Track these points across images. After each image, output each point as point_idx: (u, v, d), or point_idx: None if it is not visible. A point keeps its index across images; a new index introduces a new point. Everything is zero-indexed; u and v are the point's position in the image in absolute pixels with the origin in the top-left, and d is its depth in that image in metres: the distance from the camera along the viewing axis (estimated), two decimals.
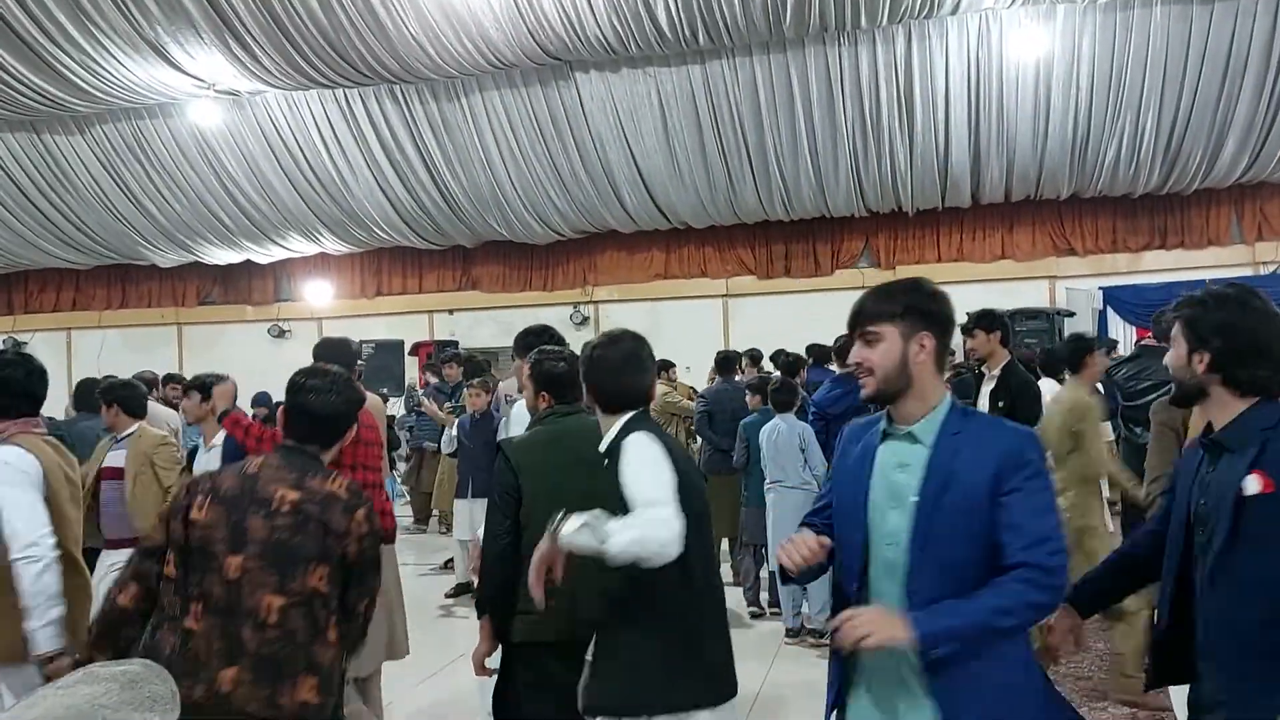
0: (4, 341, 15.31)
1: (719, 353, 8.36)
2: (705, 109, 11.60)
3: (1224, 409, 2.12)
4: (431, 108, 12.12)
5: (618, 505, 2.46)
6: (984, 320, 5.43)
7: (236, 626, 2.32)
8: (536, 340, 4.10)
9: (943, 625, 1.88)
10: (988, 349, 5.36)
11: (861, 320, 2.08)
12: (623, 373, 2.71)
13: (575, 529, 2.30)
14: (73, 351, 15.17)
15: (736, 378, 8.34)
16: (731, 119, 11.65)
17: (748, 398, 7.30)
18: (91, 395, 5.62)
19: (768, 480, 6.46)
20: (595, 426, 2.83)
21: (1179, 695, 3.00)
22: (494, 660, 3.02)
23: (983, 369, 5.57)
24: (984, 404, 5.17)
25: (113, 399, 4.90)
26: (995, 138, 11.54)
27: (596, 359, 2.74)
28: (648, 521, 2.34)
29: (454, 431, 7.29)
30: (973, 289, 12.37)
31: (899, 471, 2.06)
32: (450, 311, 14.48)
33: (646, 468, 2.50)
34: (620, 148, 12.13)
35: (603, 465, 2.66)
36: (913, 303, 2.06)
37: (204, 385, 5.23)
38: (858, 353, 2.07)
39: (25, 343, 15.29)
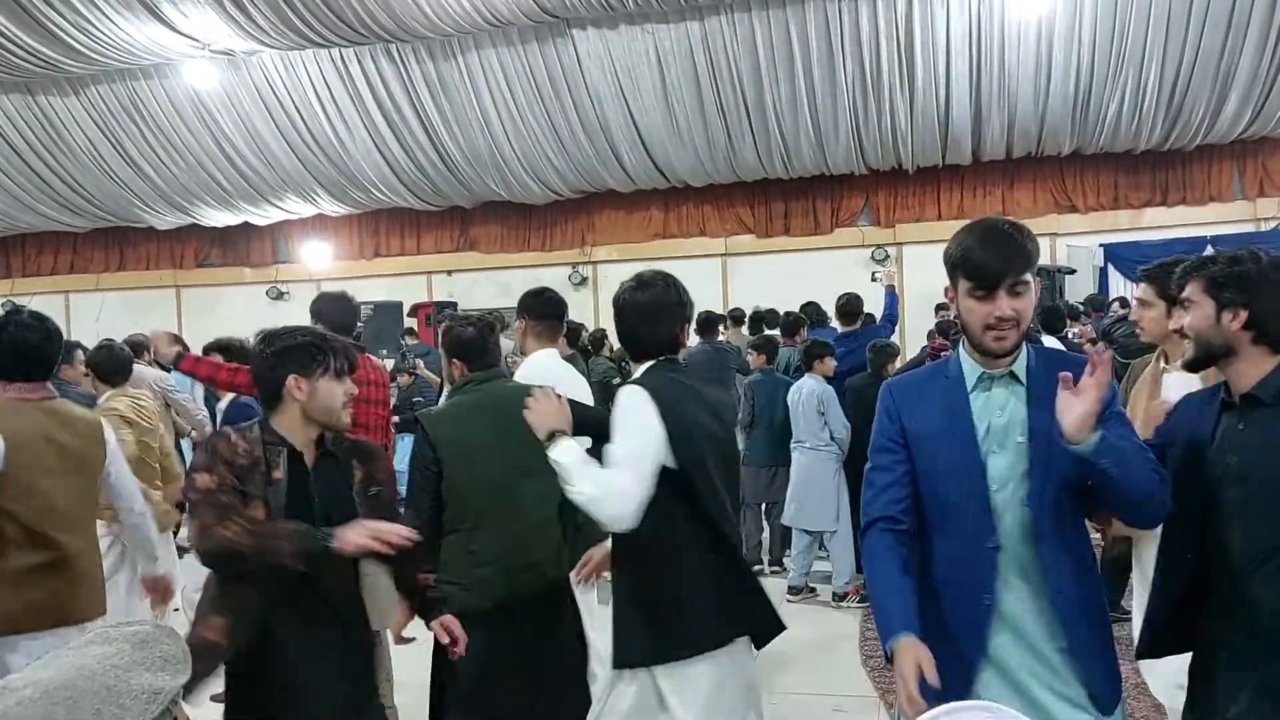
0: (3, 304, 15.32)
1: (700, 313, 8.32)
2: (704, 66, 11.50)
3: (1254, 367, 2.13)
4: (428, 67, 12.01)
5: (547, 475, 2.54)
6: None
7: None
8: (533, 301, 4.11)
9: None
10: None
11: (1014, 271, 2.07)
12: (646, 320, 2.68)
13: (562, 451, 2.43)
14: (71, 315, 15.15)
15: (719, 339, 8.36)
16: (730, 76, 11.55)
17: (751, 357, 7.34)
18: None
19: (793, 440, 6.52)
20: (518, 392, 2.80)
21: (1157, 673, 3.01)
22: (414, 631, 3.01)
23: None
24: None
25: (88, 366, 4.93)
26: (996, 94, 11.45)
27: (621, 304, 2.71)
28: (607, 490, 2.43)
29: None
30: None
31: (999, 415, 2.11)
32: (449, 272, 14.45)
33: (624, 429, 2.51)
34: (618, 106, 12.04)
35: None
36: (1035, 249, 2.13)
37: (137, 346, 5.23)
38: (1010, 305, 2.07)
39: (24, 307, 15.28)
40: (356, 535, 2.35)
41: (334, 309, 4.21)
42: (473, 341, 3.25)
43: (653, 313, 2.69)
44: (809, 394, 6.45)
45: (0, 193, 14.14)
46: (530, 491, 3.02)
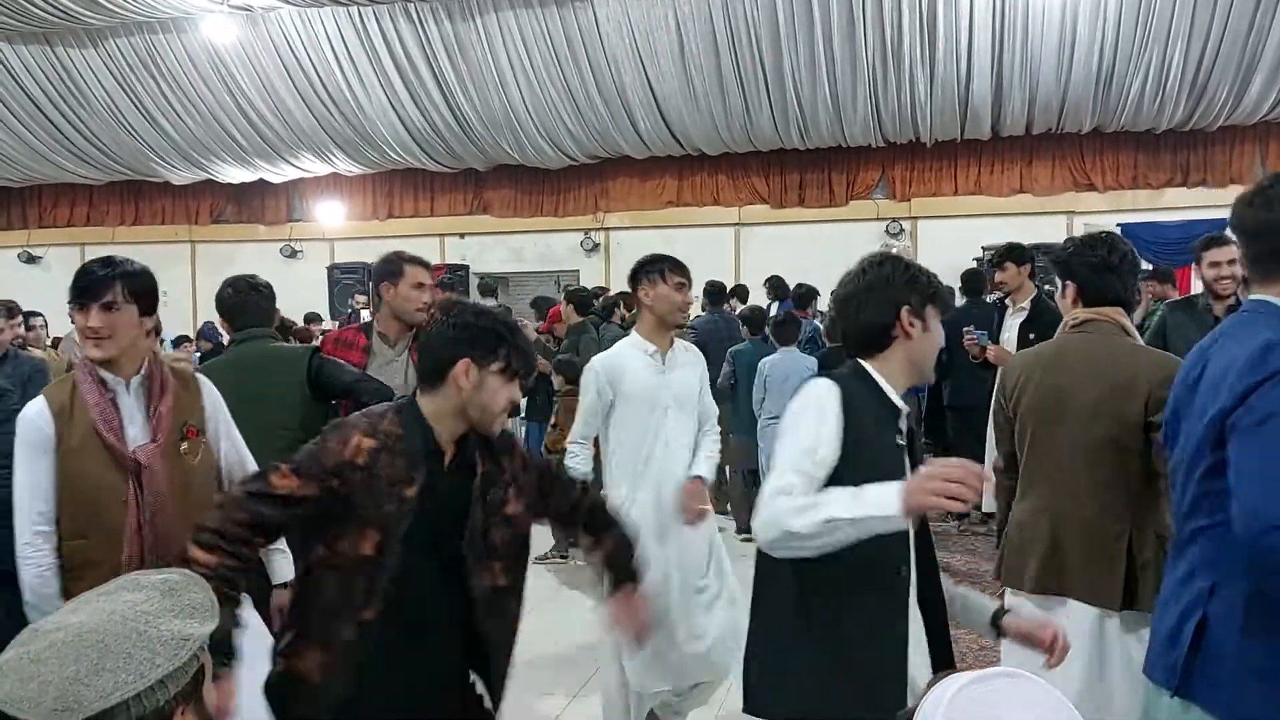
0: (19, 255, 15.39)
1: (708, 283, 8.33)
2: (723, 32, 11.39)
3: None
4: (446, 27, 11.94)
5: (288, 437, 2.57)
6: (1015, 253, 5.50)
7: None
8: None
9: None
10: (1017, 282, 5.41)
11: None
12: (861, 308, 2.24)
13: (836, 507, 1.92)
14: None
15: (725, 308, 8.37)
16: (749, 43, 11.45)
17: (742, 329, 7.35)
18: None
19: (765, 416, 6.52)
20: (268, 355, 2.82)
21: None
22: None
23: (1006, 301, 5.60)
24: (1011, 336, 5.21)
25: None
26: (1019, 69, 11.32)
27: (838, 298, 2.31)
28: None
29: None
30: (989, 223, 12.29)
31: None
32: (461, 235, 14.43)
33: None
34: (635, 71, 11.96)
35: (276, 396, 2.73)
36: None
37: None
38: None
39: (41, 256, 15.37)
40: None
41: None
42: (228, 301, 3.42)
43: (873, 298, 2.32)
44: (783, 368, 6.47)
45: (18, 144, 14.15)
46: (271, 450, 2.84)
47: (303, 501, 2.02)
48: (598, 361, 3.73)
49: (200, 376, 2.83)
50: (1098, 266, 2.81)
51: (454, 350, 2.10)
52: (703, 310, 8.51)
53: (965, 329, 5.45)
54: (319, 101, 12.93)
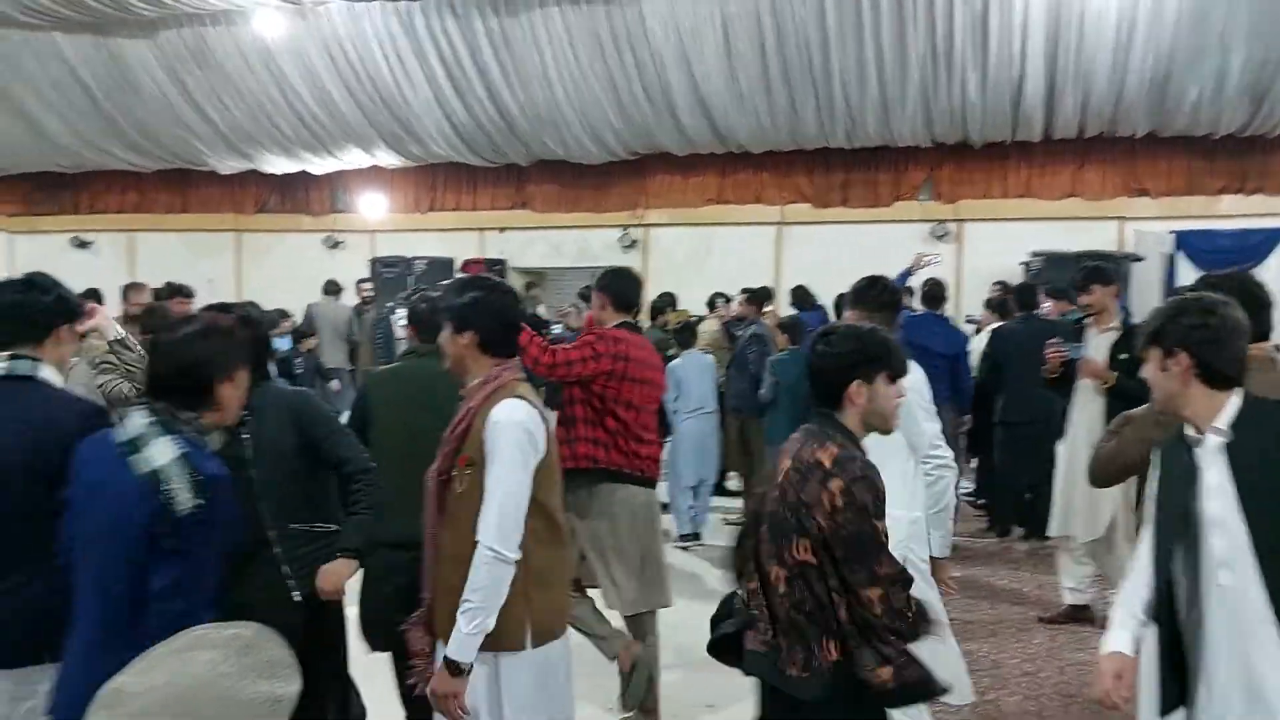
0: (71, 241, 15.65)
1: (761, 289, 8.28)
2: (770, 30, 11.27)
3: None
4: (492, 23, 11.95)
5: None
6: (1100, 275, 5.41)
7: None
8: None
9: None
10: (1104, 304, 5.31)
11: None
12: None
13: None
14: (135, 253, 15.46)
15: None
16: (796, 42, 11.32)
17: (777, 336, 7.28)
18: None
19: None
20: (440, 371, 2.83)
21: None
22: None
23: (1087, 320, 5.49)
24: (1100, 358, 5.11)
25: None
26: (1073, 71, 11.08)
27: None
28: None
29: None
30: (1038, 227, 12.09)
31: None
32: (501, 230, 14.46)
33: None
34: (681, 68, 11.88)
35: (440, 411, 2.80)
36: None
37: None
38: None
39: (92, 241, 15.63)
40: None
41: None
42: (423, 316, 3.63)
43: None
44: None
45: (70, 131, 14.40)
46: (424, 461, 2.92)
47: None
48: None
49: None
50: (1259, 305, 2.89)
51: (846, 375, 2.36)
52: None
53: (1050, 341, 5.40)
54: (364, 94, 13.01)
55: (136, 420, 2.08)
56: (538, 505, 2.59)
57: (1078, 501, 5.21)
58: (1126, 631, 2.42)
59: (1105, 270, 5.63)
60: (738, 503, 8.06)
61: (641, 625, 4.19)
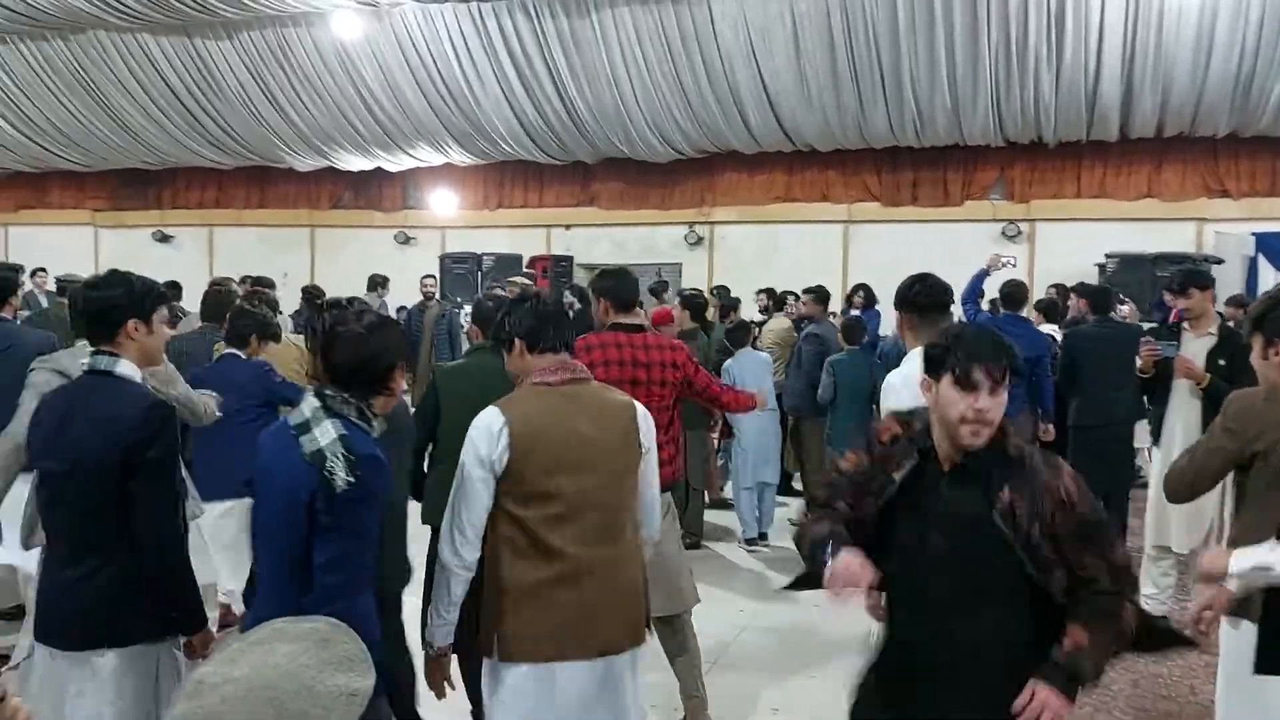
0: (153, 234, 16.16)
1: (820, 289, 8.25)
2: (840, 29, 11.24)
3: None
4: (562, 23, 12.08)
5: None
6: (1199, 279, 5.32)
7: None
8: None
9: None
10: (1202, 308, 5.23)
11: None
12: None
13: None
14: (215, 247, 15.91)
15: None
16: (867, 39, 11.26)
17: (839, 337, 7.23)
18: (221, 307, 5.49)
19: None
20: (504, 368, 2.89)
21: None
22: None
23: (1184, 325, 5.41)
24: (1198, 363, 5.03)
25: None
26: (1151, 69, 10.87)
27: None
28: None
29: None
30: (1114, 227, 11.85)
31: None
32: (567, 227, 14.59)
33: None
34: (749, 66, 11.88)
35: None
36: None
37: None
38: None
39: (174, 235, 16.13)
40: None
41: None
42: (486, 313, 3.80)
43: None
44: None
45: (156, 129, 14.88)
46: None
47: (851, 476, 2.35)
48: None
49: None
50: None
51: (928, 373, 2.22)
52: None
53: (1144, 339, 5.32)
54: (437, 94, 13.25)
55: (308, 404, 2.24)
56: (508, 516, 2.57)
57: (1173, 511, 4.99)
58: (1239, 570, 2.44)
59: (1204, 273, 5.54)
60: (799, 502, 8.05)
61: (668, 626, 4.12)
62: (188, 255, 15.55)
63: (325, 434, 2.17)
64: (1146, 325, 8.24)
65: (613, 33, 12.00)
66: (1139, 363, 5.22)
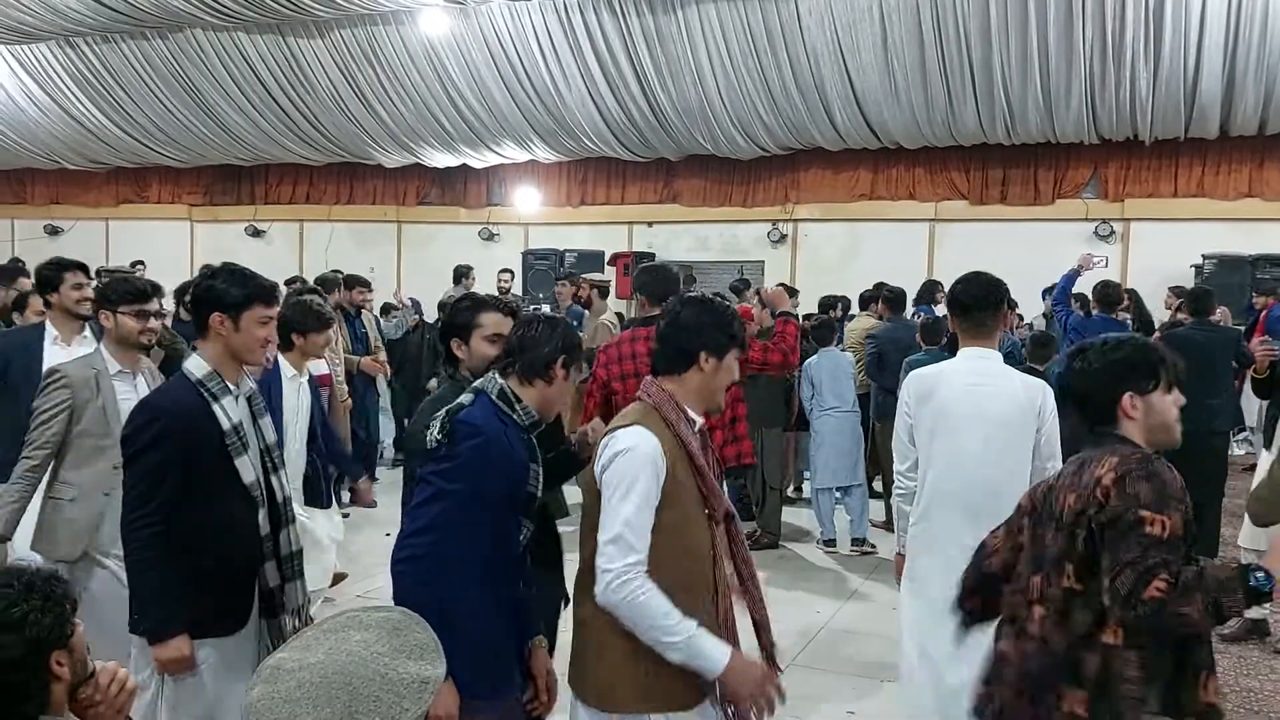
0: (246, 229, 16.65)
1: (887, 288, 8.10)
2: (929, 25, 11.06)
3: None
4: (647, 20, 12.11)
5: None
6: None
7: None
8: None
9: None
10: None
11: None
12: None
13: None
14: (305, 242, 16.33)
15: (908, 314, 8.06)
16: (957, 36, 11.07)
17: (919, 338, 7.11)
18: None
19: None
20: None
21: None
22: None
23: None
24: None
25: None
26: (1254, 64, 10.50)
27: None
28: None
29: None
30: (1213, 228, 11.48)
31: None
32: (649, 224, 14.62)
33: None
34: (835, 63, 11.77)
35: None
36: None
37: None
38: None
39: (265, 230, 16.59)
40: None
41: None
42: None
43: None
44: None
45: (250, 126, 15.32)
46: None
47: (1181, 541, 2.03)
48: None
49: None
50: None
51: (1117, 389, 2.22)
52: (881, 318, 8.26)
53: (1262, 339, 5.37)
54: (522, 91, 13.39)
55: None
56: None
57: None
58: None
59: None
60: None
61: None
62: (278, 249, 15.98)
63: (456, 405, 2.41)
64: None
65: (698, 29, 11.98)
66: (1255, 363, 5.10)
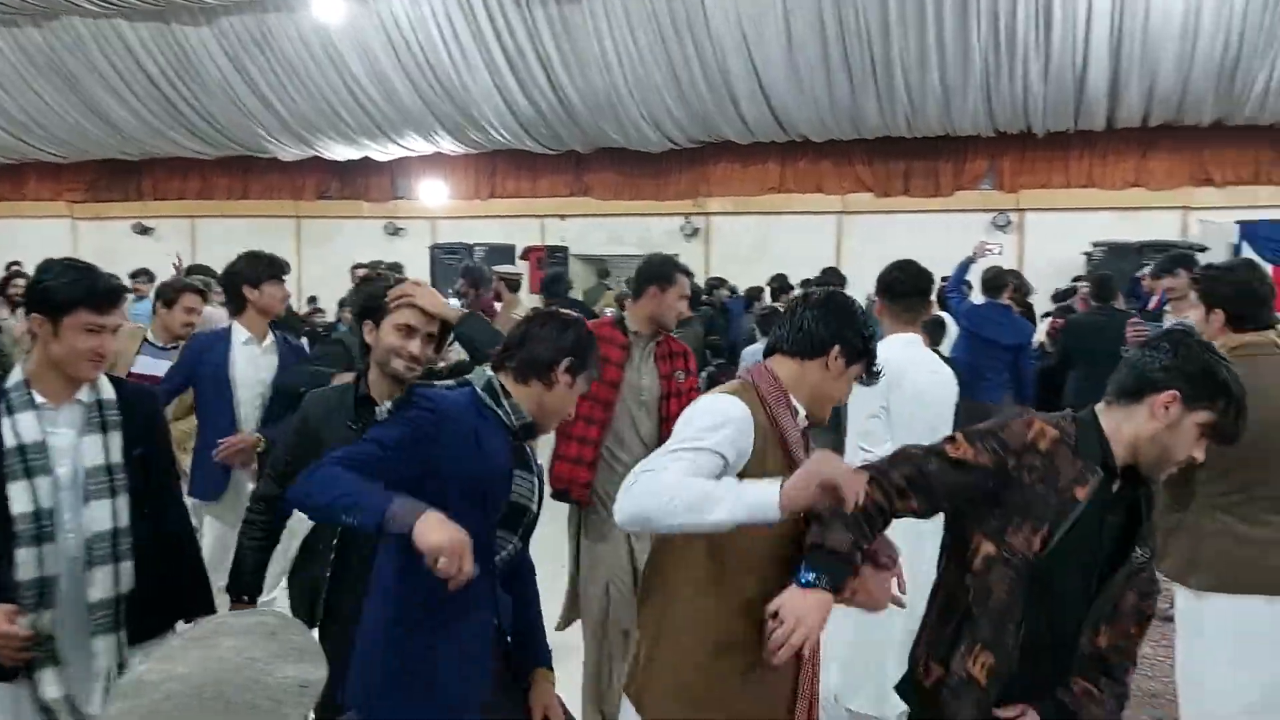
0: (133, 227, 15.90)
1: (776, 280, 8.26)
2: (831, 18, 11.25)
3: None
4: (552, 9, 11.99)
5: None
6: (1186, 261, 5.44)
7: None
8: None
9: None
10: (1186, 289, 5.32)
11: None
12: None
13: None
14: (196, 240, 15.71)
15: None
16: (858, 29, 11.28)
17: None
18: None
19: None
20: None
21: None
22: None
23: (1166, 308, 5.54)
24: None
25: None
26: (1138, 59, 10.97)
27: None
28: None
29: None
30: (1101, 217, 11.97)
31: None
32: (561, 217, 14.52)
33: None
34: (741, 55, 11.87)
35: None
36: None
37: None
38: None
39: (154, 227, 15.89)
40: None
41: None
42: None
43: None
44: None
45: (135, 119, 14.64)
46: None
47: (972, 470, 1.98)
48: None
49: None
50: (1253, 299, 2.92)
51: (1166, 378, 1.97)
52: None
53: (1132, 321, 5.51)
54: (425, 81, 13.11)
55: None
56: None
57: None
58: None
59: (1190, 257, 5.72)
60: None
61: None
62: (169, 247, 15.29)
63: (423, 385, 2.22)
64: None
65: (603, 20, 11.92)
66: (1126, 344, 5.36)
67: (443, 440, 2.04)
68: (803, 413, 2.20)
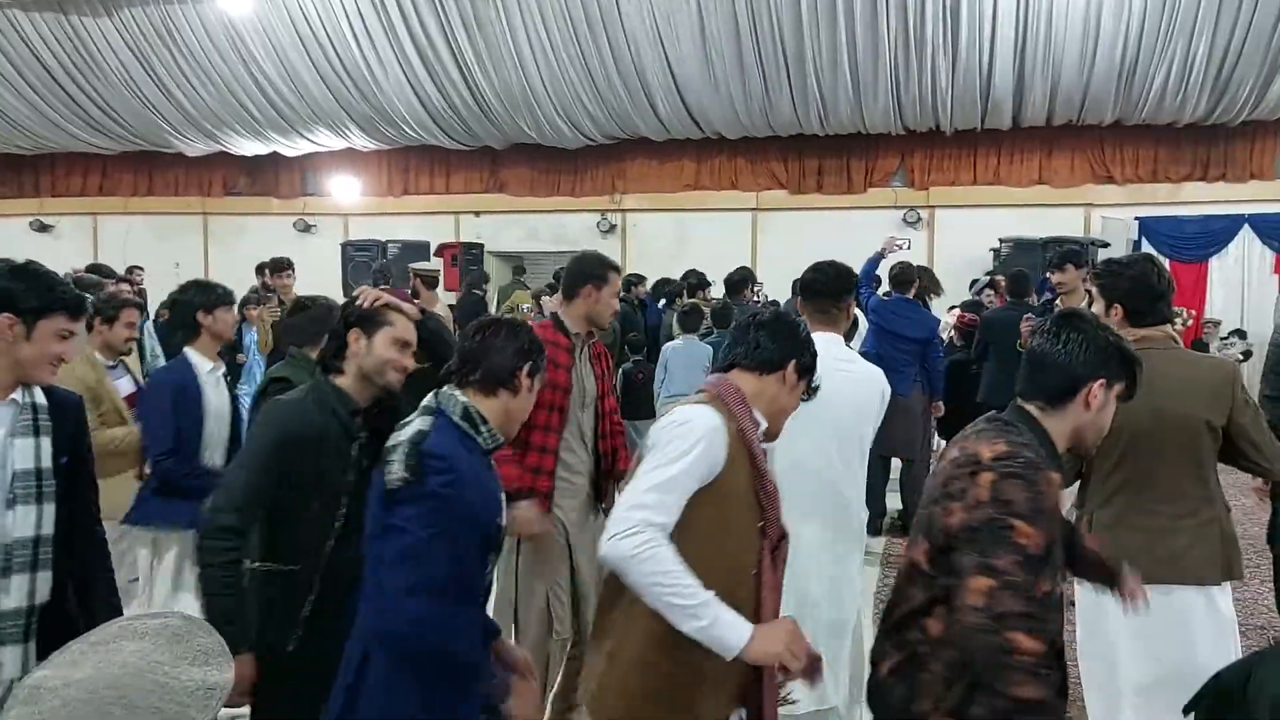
0: (31, 224, 15.31)
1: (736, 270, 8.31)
2: (744, 16, 11.30)
3: None
4: (464, 3, 11.84)
5: None
6: (1075, 257, 5.60)
7: None
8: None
9: None
10: (1074, 284, 5.44)
11: None
12: None
13: None
14: (99, 237, 15.20)
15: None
16: (771, 27, 11.36)
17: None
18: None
19: None
20: None
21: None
22: None
23: (1056, 303, 5.68)
24: None
25: None
26: (1041, 59, 11.25)
27: None
28: None
29: None
30: (1007, 214, 12.25)
31: None
32: (477, 214, 14.37)
33: None
34: (655, 51, 11.87)
35: None
36: None
37: None
38: None
39: (53, 224, 15.33)
40: None
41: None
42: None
43: None
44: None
45: (31, 112, 14.09)
46: None
47: (1051, 546, 1.90)
48: None
49: None
50: (1151, 294, 3.01)
51: (1090, 370, 2.07)
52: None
53: (1026, 316, 5.66)
54: (334, 75, 12.86)
55: (427, 400, 2.18)
56: None
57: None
58: None
59: (1080, 253, 5.93)
60: None
61: None
62: (69, 245, 14.80)
63: (410, 430, 2.10)
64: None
65: (516, 15, 11.80)
66: (1022, 339, 5.52)
67: (467, 498, 2.09)
68: (764, 425, 2.27)
